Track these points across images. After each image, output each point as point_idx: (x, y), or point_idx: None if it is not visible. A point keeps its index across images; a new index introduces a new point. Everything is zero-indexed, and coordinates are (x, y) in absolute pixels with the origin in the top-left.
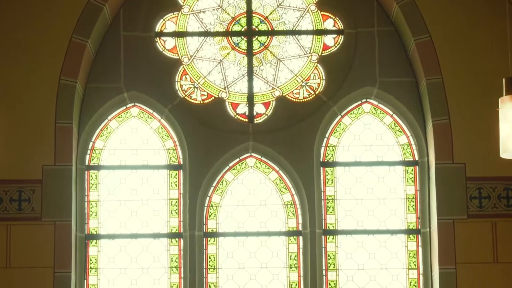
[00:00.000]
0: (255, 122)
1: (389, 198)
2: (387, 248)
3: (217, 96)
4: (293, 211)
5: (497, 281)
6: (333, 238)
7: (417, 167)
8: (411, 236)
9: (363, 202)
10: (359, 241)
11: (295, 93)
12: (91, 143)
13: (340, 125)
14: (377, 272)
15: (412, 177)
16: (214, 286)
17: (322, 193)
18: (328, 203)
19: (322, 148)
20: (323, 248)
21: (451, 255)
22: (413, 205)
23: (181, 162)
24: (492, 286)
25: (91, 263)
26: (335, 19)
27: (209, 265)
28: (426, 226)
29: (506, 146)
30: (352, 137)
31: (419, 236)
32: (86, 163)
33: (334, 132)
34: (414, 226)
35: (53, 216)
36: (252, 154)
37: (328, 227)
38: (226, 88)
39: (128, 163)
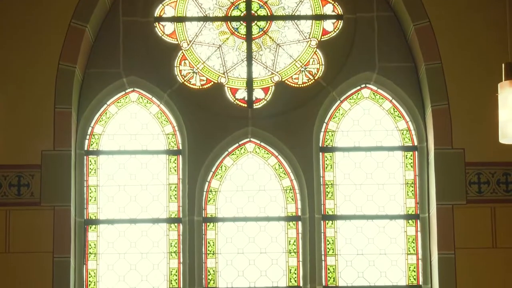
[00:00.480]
0: (254, 107)
1: (388, 184)
2: (386, 233)
3: (216, 81)
4: (292, 196)
5: (496, 266)
6: (332, 223)
7: (416, 152)
8: (410, 221)
9: (362, 188)
10: (358, 226)
11: (294, 78)
12: (90, 128)
13: (339, 110)
14: (376, 257)
15: (411, 162)
16: (213, 271)
17: (321, 178)
18: (327, 188)
19: (321, 133)
20: (322, 233)
21: (450, 240)
22: (412, 190)
23: (180, 147)
24: (491, 271)
25: (90, 248)
26: (334, 4)
27: (208, 250)
28: (425, 211)
29: (505, 131)
30: (351, 122)
31: (418, 221)
32: (85, 148)
33: (333, 117)
34: (413, 211)
35: (52, 201)
36: (251, 139)
37: (327, 212)
38: (225, 73)
39: (127, 148)
